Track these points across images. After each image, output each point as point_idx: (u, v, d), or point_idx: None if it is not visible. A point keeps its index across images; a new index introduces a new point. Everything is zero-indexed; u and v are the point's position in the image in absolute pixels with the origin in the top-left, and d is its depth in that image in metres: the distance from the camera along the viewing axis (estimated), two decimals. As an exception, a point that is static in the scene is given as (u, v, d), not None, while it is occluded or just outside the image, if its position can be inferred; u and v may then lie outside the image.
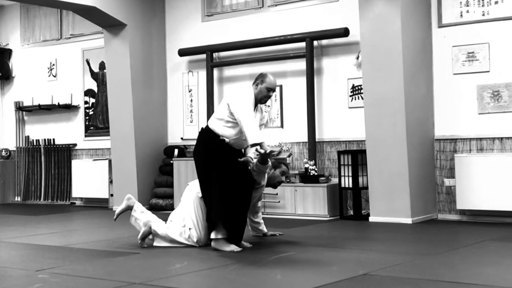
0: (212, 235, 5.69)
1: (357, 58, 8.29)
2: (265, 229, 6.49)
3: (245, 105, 5.61)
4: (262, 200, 8.45)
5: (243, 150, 5.87)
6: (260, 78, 5.85)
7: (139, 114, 9.74)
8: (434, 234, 6.72)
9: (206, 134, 5.79)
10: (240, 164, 5.65)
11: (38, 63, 11.56)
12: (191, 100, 9.90)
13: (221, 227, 5.65)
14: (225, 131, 5.71)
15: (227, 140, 5.72)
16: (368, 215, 7.79)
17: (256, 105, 5.85)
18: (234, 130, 5.69)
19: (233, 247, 5.62)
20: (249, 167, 5.70)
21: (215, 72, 9.62)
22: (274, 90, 5.88)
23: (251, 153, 5.63)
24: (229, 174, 5.66)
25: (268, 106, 9.07)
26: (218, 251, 5.62)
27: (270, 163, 5.88)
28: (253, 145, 5.48)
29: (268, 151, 5.48)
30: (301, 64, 8.74)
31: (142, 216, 6.08)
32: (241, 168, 5.71)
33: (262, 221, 6.51)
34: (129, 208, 6.15)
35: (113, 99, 9.88)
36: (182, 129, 9.96)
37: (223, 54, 9.59)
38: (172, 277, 4.68)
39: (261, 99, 5.83)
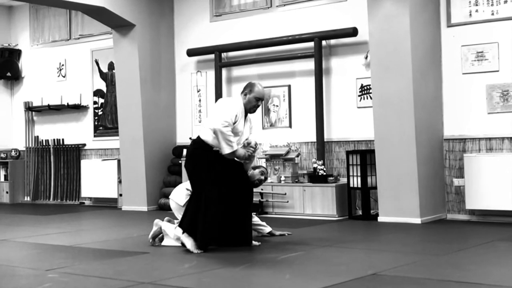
0: (184, 234, 5.73)
1: (366, 57, 8.28)
2: (268, 229, 6.48)
3: (223, 117, 5.65)
4: (271, 200, 8.50)
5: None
6: (248, 87, 5.90)
7: (148, 114, 9.77)
8: (443, 234, 6.70)
9: (200, 145, 5.80)
10: (235, 171, 5.81)
11: (47, 64, 11.61)
12: (200, 100, 9.92)
13: (199, 235, 5.66)
14: (210, 141, 5.74)
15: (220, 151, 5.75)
16: (377, 215, 7.77)
17: (246, 115, 5.90)
18: None
19: (196, 249, 5.62)
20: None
21: (224, 72, 9.63)
22: (262, 99, 5.98)
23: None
24: (217, 183, 5.70)
25: (277, 106, 9.09)
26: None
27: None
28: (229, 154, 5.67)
29: (253, 147, 5.82)
30: (310, 64, 8.74)
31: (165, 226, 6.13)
32: (235, 176, 5.81)
33: (260, 222, 6.50)
34: (159, 232, 6.15)
35: (122, 99, 9.90)
36: (191, 129, 9.97)
37: (231, 54, 9.59)
38: (181, 276, 4.69)
39: (250, 109, 5.90)
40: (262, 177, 6.38)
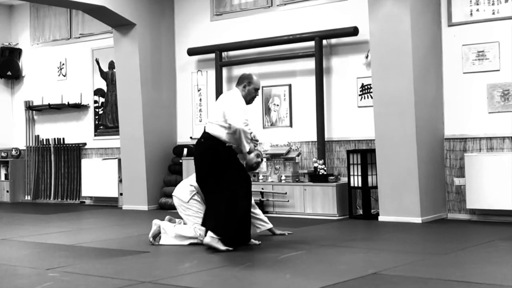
0: (210, 233, 5.64)
1: (367, 57, 8.27)
2: (269, 225, 6.45)
3: (242, 115, 5.70)
4: (272, 199, 8.50)
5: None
6: (246, 79, 5.95)
7: (149, 113, 9.77)
8: (443, 234, 6.70)
9: (212, 141, 5.77)
10: (242, 167, 5.89)
11: (48, 63, 11.61)
12: (200, 99, 9.92)
13: (223, 229, 5.61)
14: (224, 137, 5.76)
15: (233, 146, 5.80)
16: (378, 214, 7.77)
17: None
18: None
19: (226, 248, 5.57)
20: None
21: (224, 71, 9.63)
22: (259, 89, 6.11)
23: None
24: (236, 180, 5.74)
25: (277, 105, 9.09)
26: (214, 249, 5.58)
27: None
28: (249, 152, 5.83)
29: (257, 140, 6.22)
30: (310, 63, 8.74)
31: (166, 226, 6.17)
32: (244, 172, 5.87)
33: (263, 216, 6.48)
34: (159, 231, 6.15)
35: (123, 98, 9.90)
36: (191, 128, 9.97)
37: (232, 53, 9.59)
38: (182, 276, 4.69)
39: (249, 100, 5.99)
40: (259, 159, 6.37)
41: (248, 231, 5.88)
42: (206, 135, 5.84)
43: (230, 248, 5.56)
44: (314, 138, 8.66)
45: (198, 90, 9.96)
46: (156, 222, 6.11)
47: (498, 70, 7.53)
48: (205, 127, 5.93)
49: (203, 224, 5.87)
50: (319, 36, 8.56)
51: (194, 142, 9.81)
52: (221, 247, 5.55)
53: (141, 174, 9.72)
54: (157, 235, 6.08)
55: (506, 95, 7.46)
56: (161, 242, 6.03)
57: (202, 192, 6.00)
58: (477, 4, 7.64)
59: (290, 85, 9.02)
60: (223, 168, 5.74)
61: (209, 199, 5.86)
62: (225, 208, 5.65)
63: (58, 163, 11.36)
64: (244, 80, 5.95)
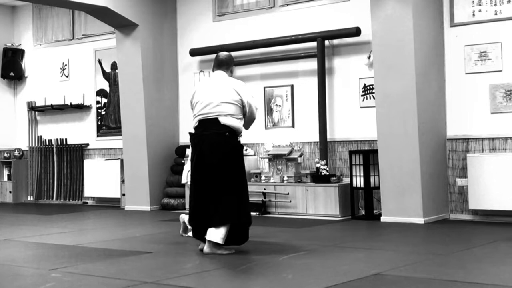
0: (209, 238, 5.50)
1: (369, 57, 8.27)
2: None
3: (256, 103, 5.88)
4: (274, 200, 8.51)
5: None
6: (232, 62, 5.92)
7: (151, 114, 9.77)
8: (446, 234, 6.69)
9: (235, 135, 5.65)
10: None
11: (50, 63, 11.62)
12: (203, 100, 9.91)
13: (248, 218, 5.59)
14: (242, 129, 5.75)
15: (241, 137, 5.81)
16: (380, 215, 7.77)
17: None
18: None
19: (227, 251, 5.54)
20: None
21: (227, 72, 9.62)
22: None
23: None
24: (244, 175, 5.75)
25: (279, 106, 9.09)
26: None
27: None
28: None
29: None
30: (313, 64, 8.74)
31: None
32: None
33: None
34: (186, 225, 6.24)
35: (125, 99, 9.91)
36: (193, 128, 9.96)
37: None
38: (184, 276, 4.69)
39: None
40: None
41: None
42: (229, 129, 5.59)
43: (232, 251, 5.56)
44: (316, 139, 8.66)
45: (201, 91, 9.95)
46: (182, 217, 6.24)
47: (501, 71, 7.52)
48: (217, 118, 5.59)
49: (206, 221, 5.79)
50: (321, 37, 8.55)
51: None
52: (223, 251, 5.51)
53: (143, 174, 9.73)
54: (186, 229, 6.17)
55: (508, 96, 7.46)
56: (190, 234, 6.10)
57: (205, 183, 5.59)
58: (480, 5, 7.63)
59: (292, 86, 9.03)
60: (241, 161, 5.70)
61: (227, 188, 5.53)
62: (246, 199, 5.63)
63: (60, 163, 11.37)
64: (231, 63, 5.91)
